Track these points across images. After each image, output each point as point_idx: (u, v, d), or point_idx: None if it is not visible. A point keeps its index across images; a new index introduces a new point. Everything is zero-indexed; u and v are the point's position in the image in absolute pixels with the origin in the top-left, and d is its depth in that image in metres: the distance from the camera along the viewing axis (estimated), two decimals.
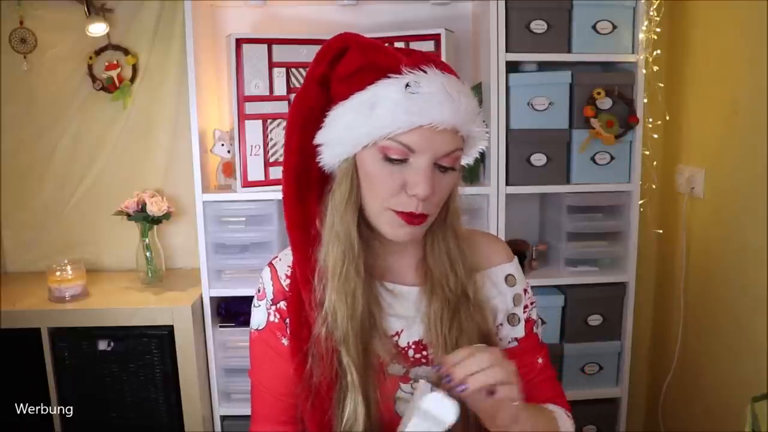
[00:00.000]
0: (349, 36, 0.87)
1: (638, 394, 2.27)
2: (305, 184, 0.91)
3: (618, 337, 2.02)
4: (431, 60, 0.87)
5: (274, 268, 0.97)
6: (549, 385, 1.01)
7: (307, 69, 0.91)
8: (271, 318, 0.95)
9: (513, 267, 1.02)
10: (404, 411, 0.92)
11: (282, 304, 0.95)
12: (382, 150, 0.83)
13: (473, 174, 1.95)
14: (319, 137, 0.89)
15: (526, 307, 1.01)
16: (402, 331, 0.93)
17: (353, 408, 0.87)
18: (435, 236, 0.94)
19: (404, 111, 0.81)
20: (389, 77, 0.83)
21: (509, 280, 1.01)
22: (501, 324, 0.99)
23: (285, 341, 0.94)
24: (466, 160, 0.93)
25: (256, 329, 0.98)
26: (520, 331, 1.00)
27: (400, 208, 0.84)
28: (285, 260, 0.97)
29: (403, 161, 0.83)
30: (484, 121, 0.90)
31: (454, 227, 0.94)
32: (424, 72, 0.83)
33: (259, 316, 0.97)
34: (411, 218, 0.85)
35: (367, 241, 0.91)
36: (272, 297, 0.96)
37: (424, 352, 0.93)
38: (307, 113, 0.89)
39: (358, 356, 0.87)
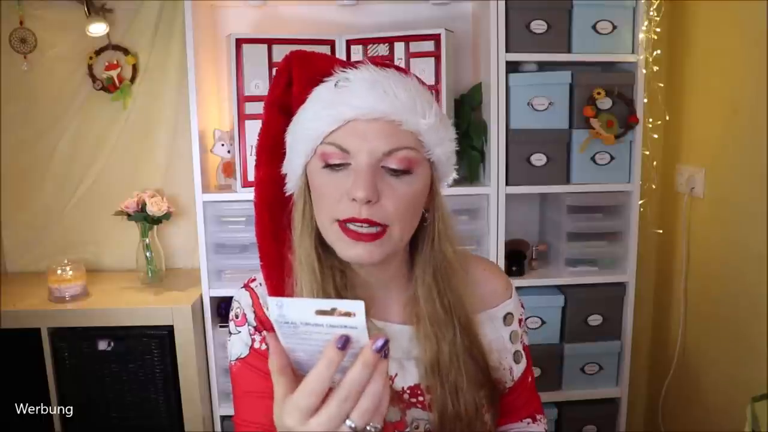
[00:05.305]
0: (291, 55, 0.82)
1: (638, 394, 2.27)
2: (279, 219, 0.83)
3: (618, 337, 2.02)
4: (372, 60, 0.81)
5: (255, 293, 0.87)
6: (532, 396, 1.01)
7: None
8: (256, 345, 0.85)
9: (512, 304, 0.96)
10: None
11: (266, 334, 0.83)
12: (322, 158, 0.76)
13: (473, 174, 1.96)
14: (284, 167, 0.83)
15: (521, 337, 0.98)
16: (396, 375, 0.85)
17: None
18: (424, 268, 0.84)
19: (328, 106, 0.75)
20: (323, 81, 0.79)
21: (507, 319, 0.95)
22: (511, 367, 0.95)
23: None
24: (451, 175, 0.86)
25: (237, 358, 0.86)
26: (523, 363, 0.97)
27: (343, 216, 0.75)
28: (265, 285, 0.87)
29: (344, 166, 0.76)
30: (454, 130, 0.83)
31: (445, 256, 0.84)
32: (356, 68, 0.78)
33: (239, 344, 0.86)
34: (359, 235, 0.75)
35: (344, 271, 0.83)
36: (255, 324, 0.86)
37: (420, 398, 0.85)
38: (272, 143, 0.83)
39: None
